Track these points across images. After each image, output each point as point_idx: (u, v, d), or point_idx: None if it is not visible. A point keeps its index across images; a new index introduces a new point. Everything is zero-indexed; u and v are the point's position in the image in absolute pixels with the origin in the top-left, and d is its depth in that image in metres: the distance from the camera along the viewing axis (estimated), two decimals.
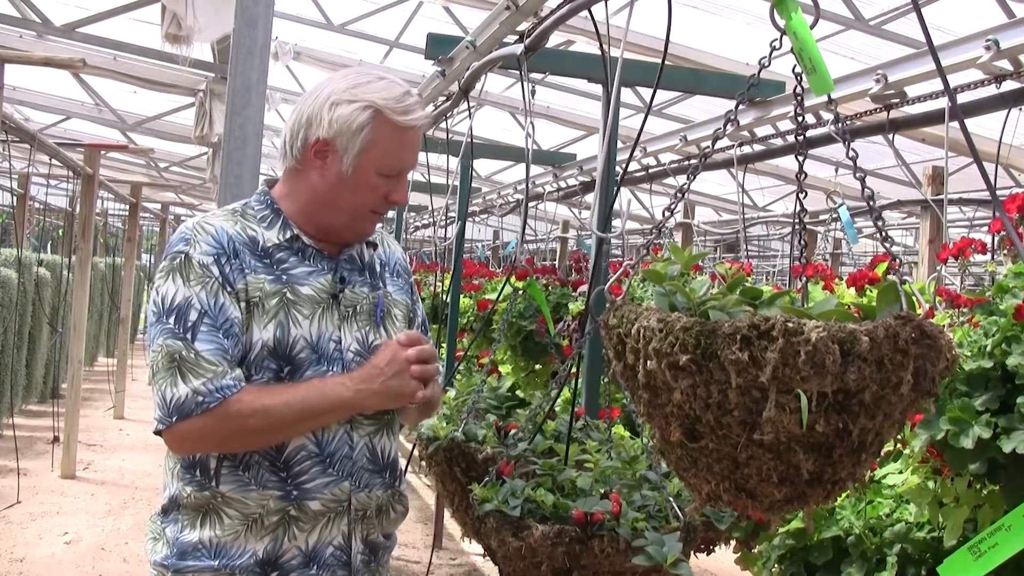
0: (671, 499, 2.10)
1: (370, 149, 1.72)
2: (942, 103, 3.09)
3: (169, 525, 1.75)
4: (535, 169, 6.76)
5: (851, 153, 1.31)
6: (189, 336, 1.62)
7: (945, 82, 1.49)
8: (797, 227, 1.45)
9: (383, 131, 1.72)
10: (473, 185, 7.21)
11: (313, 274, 1.77)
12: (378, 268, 1.89)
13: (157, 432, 1.65)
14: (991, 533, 1.30)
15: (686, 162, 5.17)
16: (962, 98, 3.10)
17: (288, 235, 1.76)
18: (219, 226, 1.73)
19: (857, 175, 1.29)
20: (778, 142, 4.58)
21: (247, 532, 1.70)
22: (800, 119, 1.42)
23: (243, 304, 1.69)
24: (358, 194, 1.75)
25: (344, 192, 1.74)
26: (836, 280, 3.24)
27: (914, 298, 1.25)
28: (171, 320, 1.63)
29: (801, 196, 1.42)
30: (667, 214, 1.40)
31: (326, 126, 1.71)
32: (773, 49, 1.36)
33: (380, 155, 1.72)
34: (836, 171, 4.48)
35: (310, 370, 1.72)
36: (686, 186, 1.38)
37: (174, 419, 1.61)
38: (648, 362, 1.22)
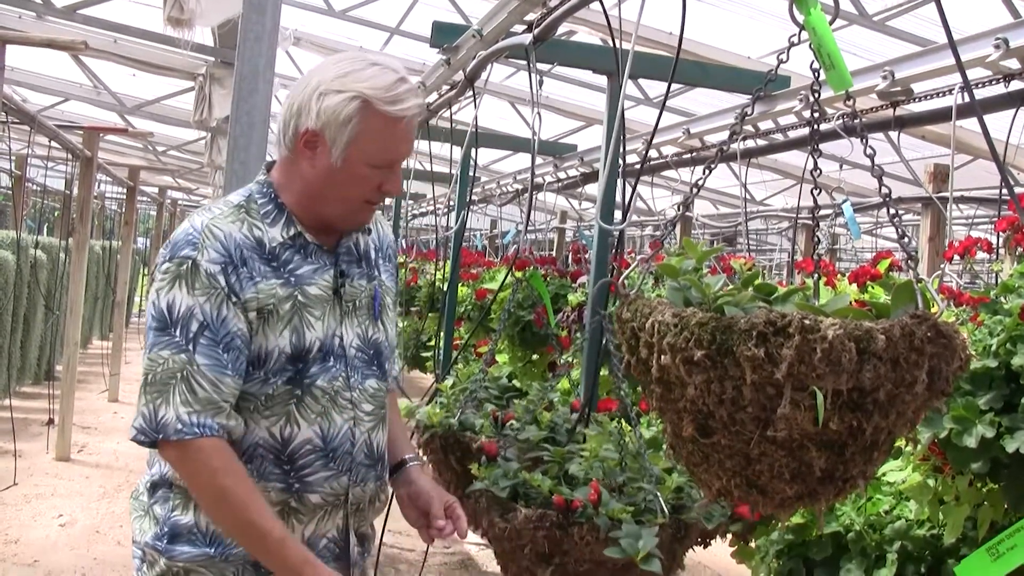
0: (656, 496, 2.10)
1: (359, 141, 1.66)
2: (948, 101, 3.08)
3: (158, 503, 1.70)
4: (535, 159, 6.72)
5: (868, 151, 1.31)
6: (191, 348, 1.59)
7: (964, 78, 1.49)
8: (809, 223, 1.45)
9: (372, 122, 1.65)
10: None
11: (317, 271, 1.73)
12: (372, 255, 1.86)
13: (135, 440, 1.61)
14: (1010, 535, 1.30)
15: (686, 155, 5.16)
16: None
17: (292, 232, 1.72)
18: (227, 231, 1.67)
19: (875, 173, 1.29)
20: (779, 137, 4.58)
21: None
22: (816, 115, 1.42)
23: (253, 314, 1.65)
24: (349, 186, 1.70)
25: (335, 184, 1.69)
26: (838, 276, 3.25)
27: (930, 297, 1.25)
28: (177, 332, 1.60)
29: (815, 192, 1.41)
30: (681, 209, 1.39)
31: (314, 117, 1.65)
32: (791, 44, 1.36)
33: (369, 147, 1.67)
34: (840, 167, 4.47)
35: (315, 366, 1.69)
36: (702, 181, 1.38)
37: (159, 436, 1.58)
38: (662, 357, 1.22)
